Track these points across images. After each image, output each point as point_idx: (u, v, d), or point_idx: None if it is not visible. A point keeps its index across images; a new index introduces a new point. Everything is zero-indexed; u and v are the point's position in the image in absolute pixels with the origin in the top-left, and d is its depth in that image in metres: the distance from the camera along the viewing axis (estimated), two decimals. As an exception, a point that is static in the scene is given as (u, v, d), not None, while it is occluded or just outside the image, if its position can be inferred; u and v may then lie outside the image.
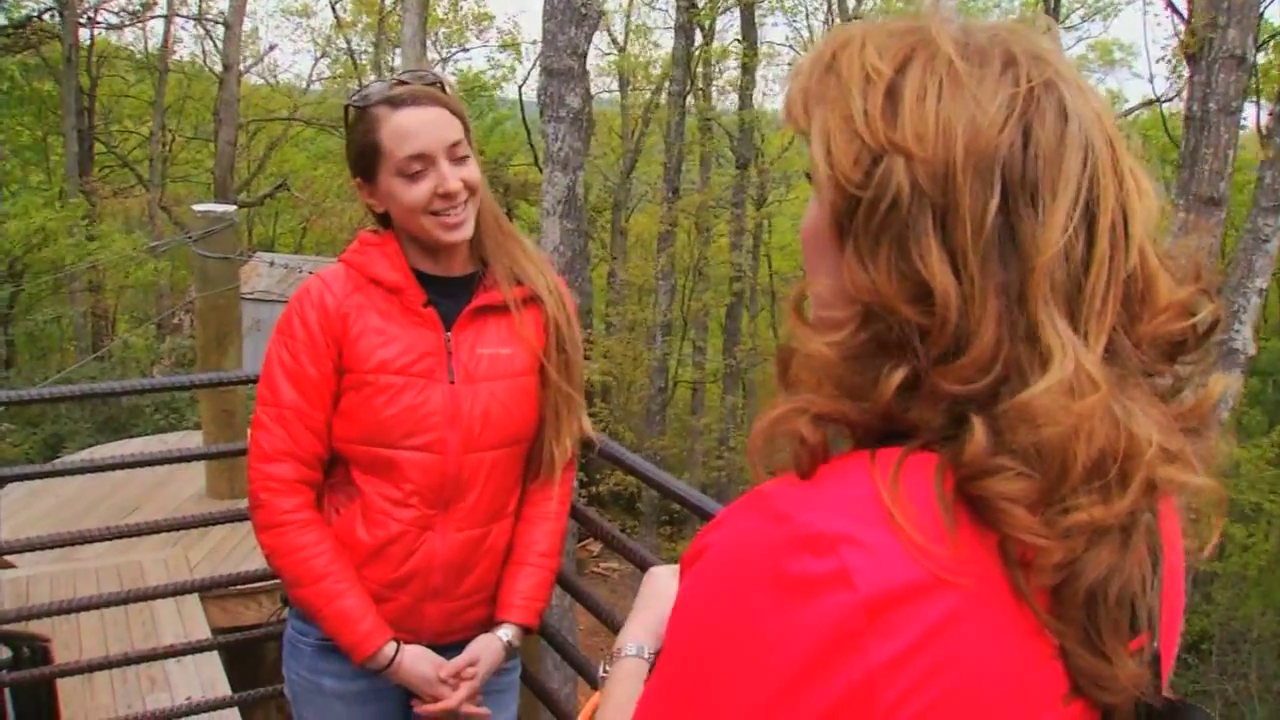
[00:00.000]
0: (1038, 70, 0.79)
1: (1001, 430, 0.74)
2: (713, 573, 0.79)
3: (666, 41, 21.60)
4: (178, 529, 3.13)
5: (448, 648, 2.20)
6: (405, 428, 2.06)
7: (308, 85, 27.97)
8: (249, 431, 2.16)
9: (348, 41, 26.22)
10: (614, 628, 2.41)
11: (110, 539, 2.96)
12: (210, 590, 4.04)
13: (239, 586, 4.51)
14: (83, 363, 14.62)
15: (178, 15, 23.62)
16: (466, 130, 2.08)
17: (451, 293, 2.14)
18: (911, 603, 0.72)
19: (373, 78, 17.94)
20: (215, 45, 23.94)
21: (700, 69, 20.83)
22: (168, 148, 24.06)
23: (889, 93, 0.79)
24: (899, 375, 0.77)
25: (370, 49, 25.81)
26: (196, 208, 6.24)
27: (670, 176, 19.30)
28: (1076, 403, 0.73)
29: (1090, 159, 0.78)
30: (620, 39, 25.67)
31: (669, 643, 0.83)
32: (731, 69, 21.83)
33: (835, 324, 0.80)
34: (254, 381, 2.19)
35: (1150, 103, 18.42)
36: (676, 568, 1.25)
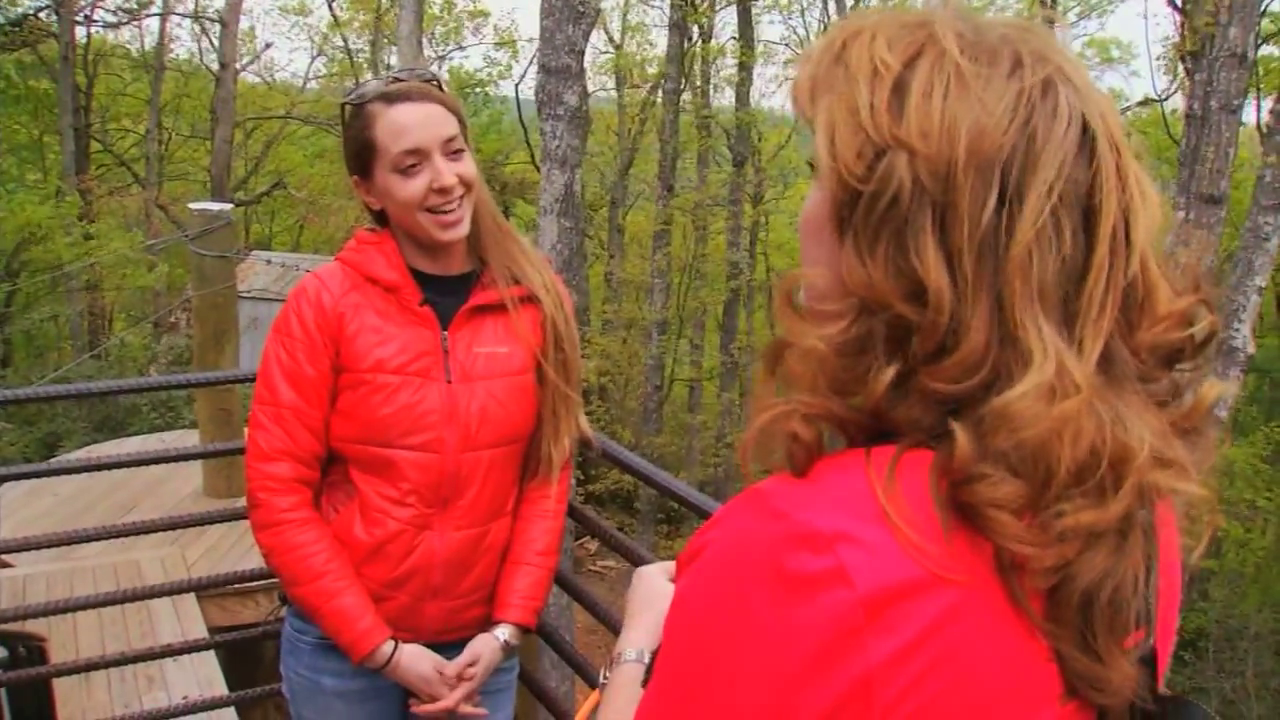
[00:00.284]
0: (1045, 73, 0.79)
1: (984, 434, 0.74)
2: (710, 571, 0.79)
3: (662, 39, 21.61)
4: (175, 528, 3.13)
5: (447, 646, 2.19)
6: (402, 427, 2.06)
7: (304, 83, 27.96)
8: (246, 430, 2.15)
9: (344, 39, 26.19)
10: (611, 626, 2.41)
11: (107, 538, 2.96)
12: (207, 589, 4.05)
13: (236, 585, 4.51)
14: (79, 361, 14.62)
15: (174, 13, 23.57)
16: (462, 126, 2.08)
17: (449, 291, 2.14)
18: (909, 600, 0.72)
19: (369, 76, 17.93)
20: (212, 43, 23.90)
21: (698, 67, 20.82)
22: (164, 146, 24.01)
23: (896, 87, 0.78)
24: (890, 372, 0.77)
25: (367, 47, 25.81)
26: (193, 206, 6.24)
27: (665, 175, 19.29)
28: (1055, 406, 0.73)
29: (1094, 164, 0.78)
30: (617, 37, 25.68)
31: (667, 642, 0.83)
32: (729, 66, 21.84)
33: (829, 317, 0.80)
34: (251, 380, 2.19)
35: (1149, 101, 18.43)
36: (666, 565, 1.25)
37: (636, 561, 2.39)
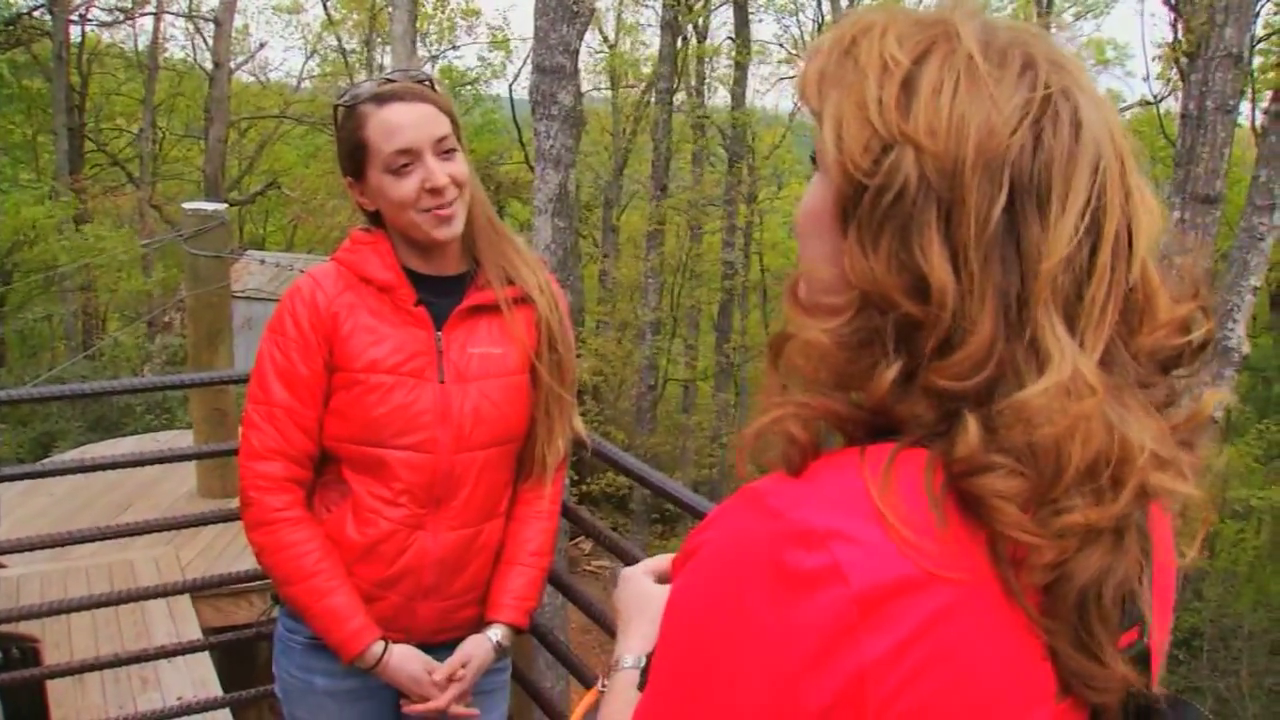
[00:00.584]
0: (1056, 77, 0.79)
1: (996, 428, 0.74)
2: (706, 571, 0.79)
3: (656, 39, 21.59)
4: (169, 529, 3.13)
5: (439, 647, 2.19)
6: (396, 427, 2.06)
7: (298, 83, 27.90)
8: (240, 430, 2.16)
9: (338, 39, 26.16)
10: (606, 626, 2.41)
11: (101, 539, 2.95)
12: (202, 590, 4.04)
13: (231, 586, 4.50)
14: (73, 361, 14.59)
15: (168, 12, 23.52)
16: (455, 126, 2.08)
17: (443, 292, 2.14)
18: (904, 597, 0.72)
19: (363, 75, 17.92)
20: (206, 42, 23.85)
21: (693, 66, 20.82)
22: (158, 146, 23.98)
23: (905, 83, 0.79)
24: (895, 368, 0.77)
25: (361, 47, 25.77)
26: (187, 206, 6.24)
27: (658, 175, 19.29)
28: (1073, 405, 0.73)
29: (1099, 170, 0.78)
30: (611, 37, 25.67)
31: (663, 643, 0.83)
32: (724, 65, 21.84)
33: (831, 310, 0.80)
34: (246, 380, 2.19)
35: (1146, 103, 18.46)
36: (651, 564, 1.24)
37: (630, 562, 2.39)
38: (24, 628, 4.39)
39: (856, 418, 0.80)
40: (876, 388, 0.77)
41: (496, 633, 2.21)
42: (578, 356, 2.42)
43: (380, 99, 2.03)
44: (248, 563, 3.68)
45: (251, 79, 27.41)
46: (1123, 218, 0.79)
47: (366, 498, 2.09)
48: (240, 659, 5.05)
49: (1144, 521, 0.81)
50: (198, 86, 24.13)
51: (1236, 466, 13.82)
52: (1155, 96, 18.32)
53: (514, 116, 23.11)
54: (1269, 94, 9.56)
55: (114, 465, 3.35)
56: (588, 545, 15.56)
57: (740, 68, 19.69)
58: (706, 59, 21.24)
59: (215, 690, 4.07)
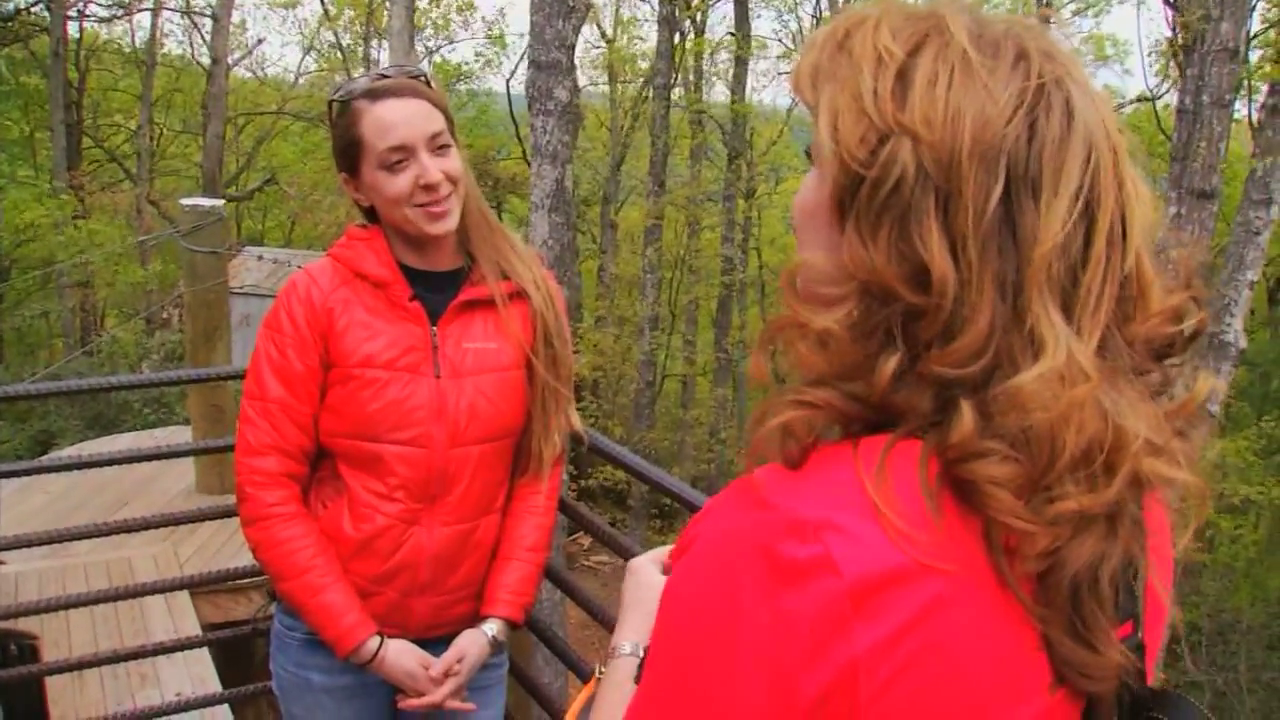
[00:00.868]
0: (1049, 67, 0.79)
1: (991, 415, 0.75)
2: (701, 563, 0.79)
3: (653, 34, 21.57)
4: (167, 525, 3.12)
5: (434, 642, 2.19)
6: (391, 422, 2.06)
7: (296, 79, 27.86)
8: (237, 426, 2.16)
9: (335, 35, 26.12)
10: (604, 622, 2.42)
11: (99, 535, 2.96)
12: (200, 586, 4.04)
13: (229, 582, 4.50)
14: (71, 358, 14.59)
15: (166, 8, 23.48)
16: (449, 122, 2.08)
17: (438, 287, 2.14)
18: (896, 588, 0.72)
19: (361, 71, 17.88)
20: (203, 38, 23.88)
21: (691, 62, 20.79)
22: (156, 142, 23.96)
23: (900, 75, 0.79)
24: (895, 358, 0.77)
25: (358, 42, 25.73)
26: (184, 202, 6.23)
27: (656, 170, 19.27)
28: (1068, 391, 0.74)
29: (1092, 160, 0.78)
30: (609, 32, 25.65)
31: (659, 634, 0.83)
32: (723, 60, 21.82)
33: (829, 301, 0.81)
34: (243, 376, 2.19)
35: (1143, 99, 18.47)
36: (658, 554, 1.25)
37: (629, 557, 2.39)
38: (22, 624, 4.39)
39: (853, 410, 0.80)
40: (878, 378, 0.78)
41: (492, 627, 2.21)
42: (575, 352, 2.41)
43: (374, 95, 2.02)
44: (246, 559, 3.67)
45: (249, 75, 27.41)
46: (1116, 207, 0.79)
47: (362, 493, 2.09)
48: (239, 655, 5.05)
49: (1138, 511, 0.81)
50: (195, 82, 24.13)
51: (1235, 461, 13.81)
52: (1152, 92, 18.33)
53: (511, 112, 23.09)
54: (1265, 88, 9.55)
55: (111, 462, 3.35)
56: (586, 541, 15.56)
57: (741, 63, 19.66)
58: (709, 53, 21.19)
59: (214, 686, 4.07)
